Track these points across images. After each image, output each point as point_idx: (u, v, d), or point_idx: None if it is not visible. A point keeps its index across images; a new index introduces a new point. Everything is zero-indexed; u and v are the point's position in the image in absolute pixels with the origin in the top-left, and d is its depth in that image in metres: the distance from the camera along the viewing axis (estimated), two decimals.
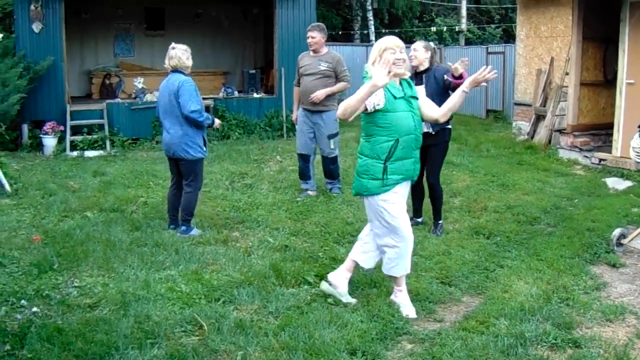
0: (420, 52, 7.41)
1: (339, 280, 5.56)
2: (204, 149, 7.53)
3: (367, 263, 5.58)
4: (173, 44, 7.47)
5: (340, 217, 8.08)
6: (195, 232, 7.52)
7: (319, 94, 8.72)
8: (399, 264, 5.30)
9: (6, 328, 4.85)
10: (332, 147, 9.02)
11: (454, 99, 5.37)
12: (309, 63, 8.96)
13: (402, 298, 5.39)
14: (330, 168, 9.27)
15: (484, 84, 5.37)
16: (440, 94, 7.08)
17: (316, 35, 8.87)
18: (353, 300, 5.45)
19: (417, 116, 5.22)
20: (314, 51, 8.96)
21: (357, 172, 5.29)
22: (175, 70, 7.40)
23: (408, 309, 5.30)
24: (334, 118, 8.82)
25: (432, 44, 7.81)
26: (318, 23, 9.37)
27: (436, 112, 5.40)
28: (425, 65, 7.41)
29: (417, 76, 7.37)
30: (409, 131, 5.11)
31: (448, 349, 4.59)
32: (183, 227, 7.51)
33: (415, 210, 7.92)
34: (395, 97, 5.07)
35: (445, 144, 7.61)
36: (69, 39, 15.05)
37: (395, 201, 5.19)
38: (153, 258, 6.48)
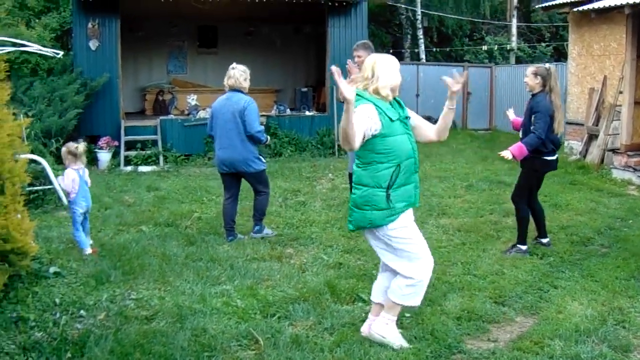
0: (530, 78, 7.32)
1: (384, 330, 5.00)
2: (263, 160, 7.92)
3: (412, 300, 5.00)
4: (234, 64, 7.81)
5: None
6: (267, 231, 7.97)
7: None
8: (417, 293, 4.91)
9: (67, 337, 4.97)
10: None
11: (443, 118, 5.16)
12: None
13: (392, 329, 4.98)
14: None
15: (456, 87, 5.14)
16: (528, 124, 7.22)
17: (362, 54, 8.74)
18: (405, 344, 4.97)
19: (412, 137, 4.89)
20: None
21: (355, 204, 4.80)
22: (234, 89, 7.72)
23: (399, 340, 4.95)
24: None
25: (547, 65, 7.65)
26: (364, 41, 9.14)
27: (432, 132, 5.18)
28: (537, 89, 7.30)
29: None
30: (409, 155, 4.77)
31: None
32: (257, 227, 7.96)
33: (539, 232, 7.83)
34: (392, 120, 4.69)
35: (533, 172, 7.48)
36: (123, 56, 15.40)
37: (406, 224, 4.82)
38: (208, 273, 6.57)
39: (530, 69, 7.43)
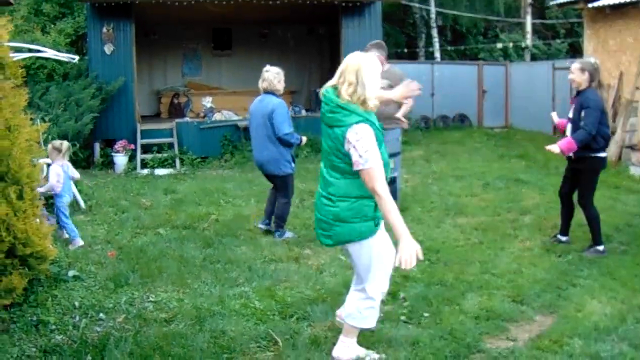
0: (577, 75, 7.18)
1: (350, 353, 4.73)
2: (293, 165, 7.99)
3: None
4: (267, 67, 7.97)
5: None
6: (289, 234, 8.06)
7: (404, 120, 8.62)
8: (375, 314, 4.72)
9: (87, 340, 5.02)
10: (391, 166, 8.88)
11: None
12: None
13: (356, 349, 4.73)
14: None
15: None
16: (578, 120, 7.12)
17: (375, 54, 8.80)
18: (376, 355, 4.78)
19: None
20: None
21: (338, 218, 4.42)
22: (267, 92, 7.85)
23: (369, 353, 4.75)
24: (396, 137, 8.79)
25: (593, 59, 7.49)
26: (377, 41, 9.14)
27: None
28: (584, 85, 7.18)
29: (576, 96, 7.33)
30: (387, 162, 4.43)
31: None
32: (278, 232, 8.04)
33: (563, 228, 7.80)
34: (378, 128, 4.42)
35: (594, 172, 7.34)
36: (138, 60, 15.52)
37: (385, 238, 4.66)
38: (226, 274, 6.59)
39: (576, 64, 7.29)
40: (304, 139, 8.11)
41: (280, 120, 7.68)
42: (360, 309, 4.63)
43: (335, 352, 4.71)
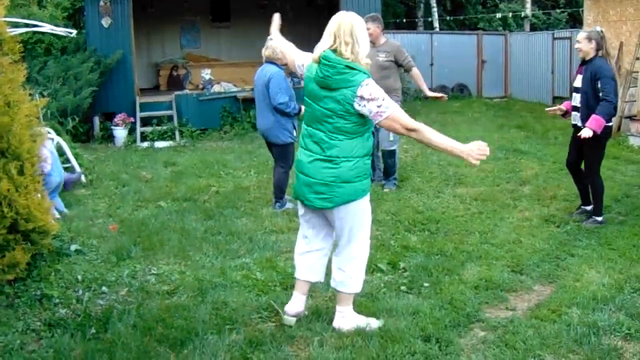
0: (584, 44, 7.11)
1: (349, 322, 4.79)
2: (294, 134, 7.97)
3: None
4: (271, 35, 7.78)
5: (411, 206, 8.14)
6: (289, 205, 8.06)
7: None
8: (362, 276, 4.83)
9: (90, 313, 5.07)
10: (391, 139, 8.84)
11: None
12: (368, 56, 8.86)
13: (355, 317, 4.81)
14: (388, 163, 9.08)
15: None
16: (590, 89, 7.04)
17: (370, 27, 8.64)
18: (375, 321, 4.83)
19: None
20: (372, 43, 8.84)
21: (342, 179, 4.46)
22: (269, 61, 7.88)
23: (370, 320, 4.83)
24: None
25: (598, 28, 7.41)
26: (372, 14, 9.11)
27: None
28: (592, 54, 7.10)
29: (582, 65, 7.27)
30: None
31: (521, 337, 4.61)
32: (278, 203, 8.09)
33: (584, 199, 7.71)
34: None
35: (599, 143, 7.20)
36: (136, 33, 15.42)
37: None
38: (227, 246, 6.64)
39: (582, 34, 7.25)
40: (303, 108, 8.08)
41: (275, 90, 7.69)
42: (354, 274, 4.72)
43: (335, 324, 4.76)
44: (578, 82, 7.24)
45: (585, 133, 6.78)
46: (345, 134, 4.45)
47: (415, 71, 8.91)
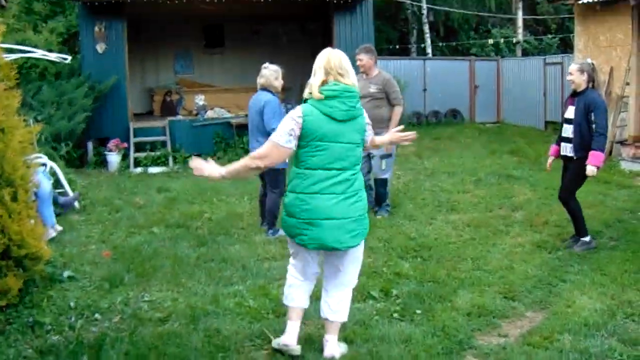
0: (576, 76, 7.18)
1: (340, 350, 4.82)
2: (286, 160, 7.92)
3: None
4: (266, 64, 8.14)
5: (403, 232, 8.15)
6: (282, 232, 7.86)
7: (388, 149, 8.66)
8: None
9: (83, 340, 5.04)
10: (382, 167, 8.88)
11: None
12: (361, 86, 8.84)
13: (340, 344, 4.88)
14: (380, 191, 9.07)
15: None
16: (584, 121, 7.10)
17: (363, 58, 8.74)
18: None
19: None
20: (365, 73, 8.89)
21: (366, 209, 4.63)
22: (263, 88, 8.00)
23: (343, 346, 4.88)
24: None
25: (589, 60, 7.45)
26: (365, 45, 9.20)
27: None
28: (583, 86, 7.18)
29: (574, 97, 7.32)
30: None
31: None
32: (270, 231, 8.09)
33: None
34: None
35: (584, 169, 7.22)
36: (130, 58, 15.50)
37: None
38: (220, 273, 6.63)
39: (574, 66, 7.31)
40: None
41: (269, 116, 7.74)
42: (347, 303, 4.79)
43: (329, 352, 4.73)
44: (570, 114, 7.28)
45: (591, 172, 7.01)
46: (356, 166, 4.52)
47: (397, 109, 8.79)
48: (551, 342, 4.98)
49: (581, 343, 4.92)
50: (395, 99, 8.79)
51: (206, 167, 4.50)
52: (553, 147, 7.72)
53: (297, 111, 4.45)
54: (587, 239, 7.39)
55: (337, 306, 4.74)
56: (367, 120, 4.63)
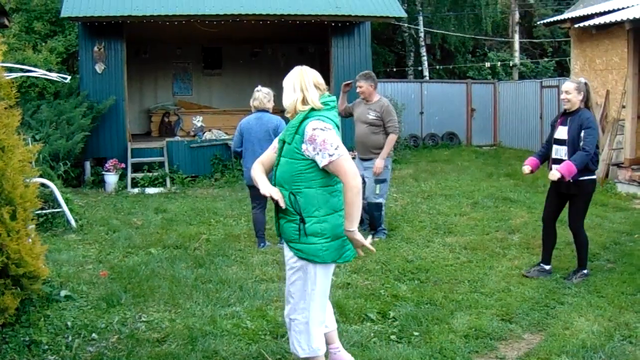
0: (573, 95, 6.99)
1: None
2: None
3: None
4: (259, 87, 8.41)
5: (401, 255, 8.15)
6: (268, 243, 8.46)
7: (377, 168, 8.67)
8: None
9: None
10: (377, 192, 8.84)
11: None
12: (361, 111, 8.92)
13: None
14: (374, 215, 9.03)
15: None
16: (578, 141, 6.93)
17: (363, 84, 8.76)
18: None
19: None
20: (365, 100, 8.93)
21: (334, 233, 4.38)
22: (260, 110, 8.29)
23: None
24: (385, 164, 8.79)
25: (582, 79, 7.26)
26: (366, 71, 9.19)
27: None
28: (577, 106, 7.03)
29: (565, 116, 7.15)
30: None
31: None
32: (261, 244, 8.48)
33: (545, 257, 7.51)
34: None
35: (589, 195, 7.23)
36: (129, 79, 15.57)
37: None
38: (218, 294, 6.62)
39: (571, 84, 7.08)
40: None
41: None
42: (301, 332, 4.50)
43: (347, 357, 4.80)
44: (562, 134, 7.10)
45: (553, 175, 6.86)
46: (332, 180, 4.37)
47: (391, 137, 8.75)
48: None
49: None
50: (390, 127, 8.76)
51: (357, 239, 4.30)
52: (531, 159, 7.48)
53: (323, 123, 4.25)
54: (586, 271, 7.29)
55: (332, 315, 4.84)
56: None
